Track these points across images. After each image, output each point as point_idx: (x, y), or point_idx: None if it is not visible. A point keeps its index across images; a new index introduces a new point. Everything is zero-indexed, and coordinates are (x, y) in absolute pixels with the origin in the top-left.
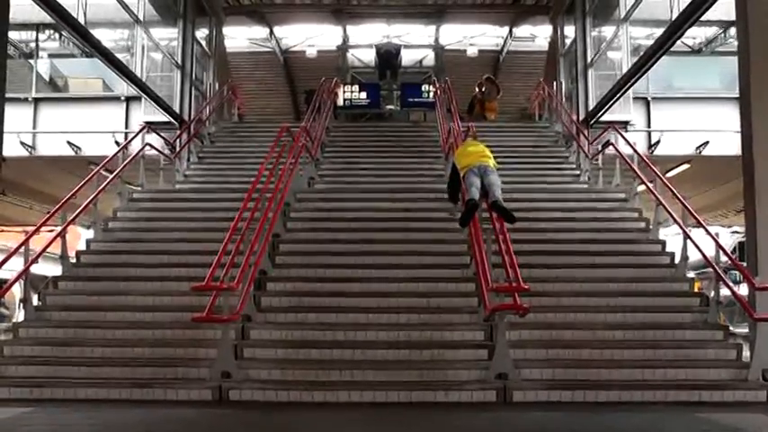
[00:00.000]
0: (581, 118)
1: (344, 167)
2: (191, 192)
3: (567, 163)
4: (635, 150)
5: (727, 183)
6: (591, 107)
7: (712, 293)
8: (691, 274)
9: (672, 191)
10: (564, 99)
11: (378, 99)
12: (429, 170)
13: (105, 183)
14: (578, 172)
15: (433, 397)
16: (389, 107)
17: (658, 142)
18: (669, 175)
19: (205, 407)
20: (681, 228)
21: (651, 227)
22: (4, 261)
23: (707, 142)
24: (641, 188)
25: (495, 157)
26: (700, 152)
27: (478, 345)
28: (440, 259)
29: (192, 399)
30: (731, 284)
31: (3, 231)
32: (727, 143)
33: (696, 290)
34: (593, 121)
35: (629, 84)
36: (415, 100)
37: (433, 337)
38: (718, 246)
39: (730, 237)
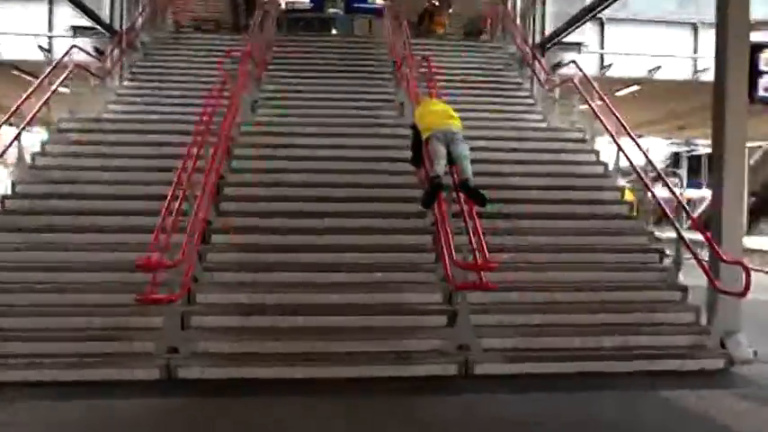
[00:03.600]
0: (537, 41)
1: (289, 89)
2: (125, 121)
3: (522, 90)
4: (585, 75)
5: (675, 102)
6: (548, 30)
7: (673, 254)
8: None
9: (628, 133)
10: (519, 18)
11: (321, 3)
12: (379, 93)
13: (34, 111)
14: (532, 101)
15: (394, 372)
16: (333, 10)
17: (611, 65)
18: (618, 94)
19: (151, 390)
20: (643, 181)
21: (610, 172)
22: None
23: (659, 66)
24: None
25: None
26: (652, 75)
27: (438, 310)
28: (394, 206)
29: (138, 378)
30: (693, 248)
31: None
32: (680, 67)
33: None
34: (549, 45)
35: (600, 8)
36: (360, 5)
37: (389, 299)
38: (683, 208)
39: (667, 147)
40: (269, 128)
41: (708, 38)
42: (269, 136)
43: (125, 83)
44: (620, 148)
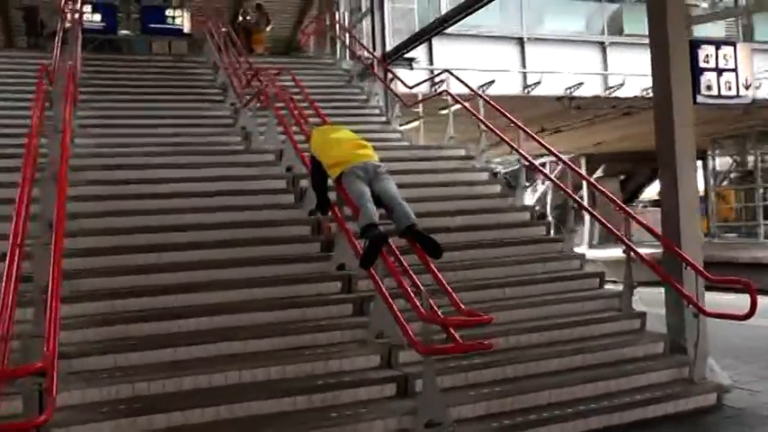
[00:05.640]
0: (377, 55)
1: (110, 115)
2: None
3: (369, 107)
4: (472, 89)
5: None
6: (388, 44)
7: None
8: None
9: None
10: (348, 34)
11: (114, 23)
12: (215, 118)
13: None
14: (384, 118)
15: None
16: (125, 32)
17: (443, 80)
18: (442, 112)
19: None
20: (581, 206)
21: (513, 191)
22: None
23: (493, 81)
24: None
25: None
26: (484, 90)
27: (381, 378)
28: (282, 249)
29: None
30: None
31: None
32: (510, 82)
33: None
34: (390, 60)
35: (452, 21)
36: (158, 26)
37: (311, 370)
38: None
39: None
40: (99, 160)
41: (533, 52)
42: (101, 170)
43: None
44: (533, 166)
